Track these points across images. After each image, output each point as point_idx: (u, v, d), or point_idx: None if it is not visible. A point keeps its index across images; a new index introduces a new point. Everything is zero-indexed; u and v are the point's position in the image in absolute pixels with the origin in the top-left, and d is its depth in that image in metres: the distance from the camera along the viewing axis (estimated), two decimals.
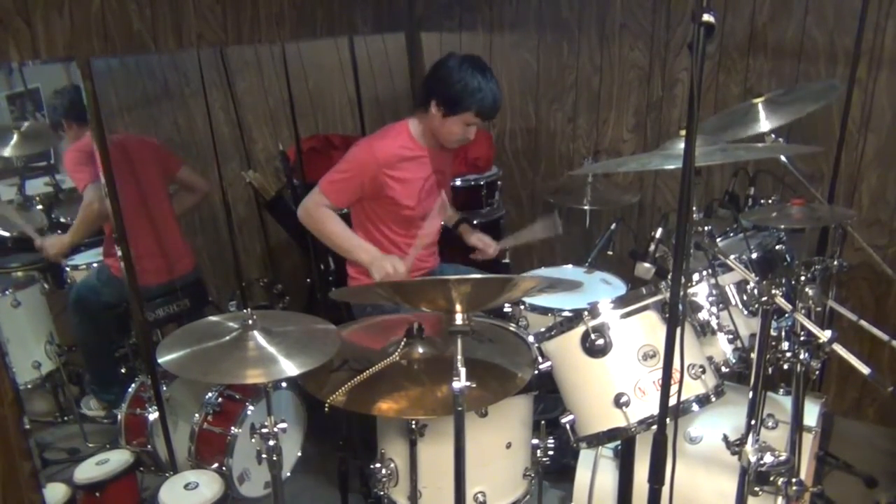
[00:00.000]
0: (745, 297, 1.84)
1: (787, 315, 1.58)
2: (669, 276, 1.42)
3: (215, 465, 2.32)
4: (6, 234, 2.97)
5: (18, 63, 2.37)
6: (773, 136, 2.19)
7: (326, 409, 1.54)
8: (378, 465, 1.81)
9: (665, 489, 1.41)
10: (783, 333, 1.66)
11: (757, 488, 1.53)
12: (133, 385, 2.51)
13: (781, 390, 2.00)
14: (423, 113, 2.29)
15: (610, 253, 2.76)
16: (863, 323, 2.03)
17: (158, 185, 2.79)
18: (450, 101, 2.20)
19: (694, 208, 1.54)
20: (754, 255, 1.91)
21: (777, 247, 2.05)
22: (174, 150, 2.93)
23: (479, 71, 2.21)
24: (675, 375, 1.34)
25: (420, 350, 1.64)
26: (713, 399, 1.68)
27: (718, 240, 1.82)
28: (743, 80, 2.84)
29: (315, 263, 2.71)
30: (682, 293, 1.29)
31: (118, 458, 2.24)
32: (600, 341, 1.65)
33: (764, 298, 1.48)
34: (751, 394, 1.52)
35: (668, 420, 1.38)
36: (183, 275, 2.80)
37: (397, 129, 2.35)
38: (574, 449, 1.86)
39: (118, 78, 2.74)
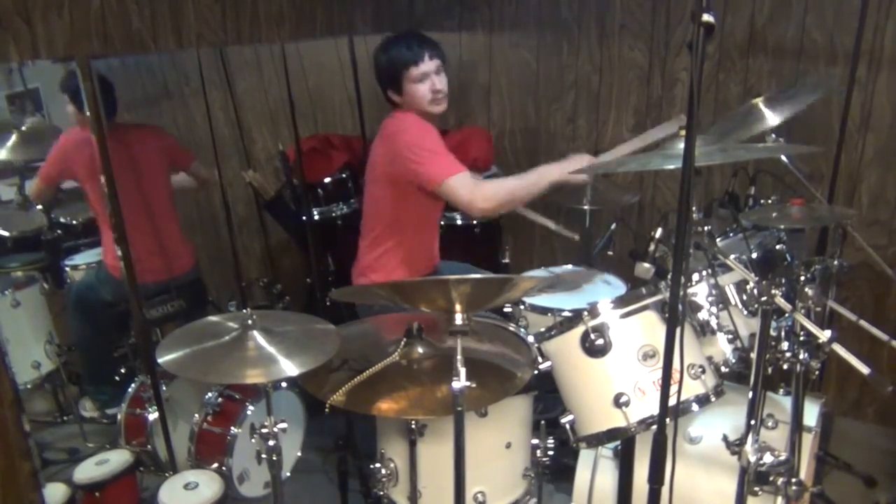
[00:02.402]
0: (744, 297, 1.84)
1: (786, 315, 1.58)
2: (669, 276, 1.42)
3: (215, 465, 2.32)
4: (6, 233, 2.97)
5: (18, 63, 2.37)
6: (773, 135, 2.18)
7: (327, 409, 1.54)
8: (378, 465, 1.81)
9: (665, 489, 1.41)
10: (783, 333, 1.66)
11: (756, 488, 1.53)
12: (133, 385, 2.51)
13: (781, 390, 2.00)
14: (398, 106, 2.32)
15: (610, 253, 2.76)
16: (862, 323, 2.03)
17: (161, 180, 2.78)
18: (390, 79, 2.25)
19: (694, 208, 1.54)
20: (754, 255, 1.91)
21: (777, 247, 2.05)
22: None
23: (388, 41, 2.28)
24: (675, 375, 1.34)
25: (420, 350, 1.64)
26: (713, 399, 1.68)
27: (718, 240, 1.82)
28: (743, 79, 2.84)
29: (315, 263, 2.71)
30: (681, 293, 1.29)
31: (118, 458, 2.24)
32: (600, 341, 1.65)
33: (764, 298, 1.48)
34: (750, 394, 1.52)
35: (667, 420, 1.38)
36: (181, 274, 2.79)
37: (403, 113, 2.33)
38: (574, 449, 1.86)
39: (118, 78, 2.74)
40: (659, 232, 1.75)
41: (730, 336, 1.83)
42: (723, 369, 1.83)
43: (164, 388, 2.38)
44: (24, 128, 2.82)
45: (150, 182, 2.72)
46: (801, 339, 1.63)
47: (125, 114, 2.81)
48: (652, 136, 2.26)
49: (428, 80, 2.24)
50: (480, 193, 2.11)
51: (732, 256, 1.74)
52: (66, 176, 2.75)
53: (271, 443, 1.65)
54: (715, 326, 1.81)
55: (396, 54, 2.23)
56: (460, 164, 2.16)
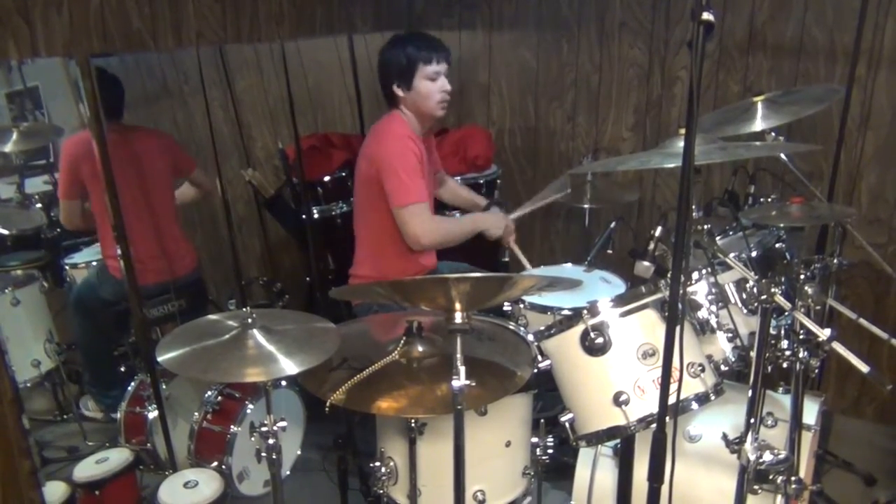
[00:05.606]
0: (744, 296, 1.84)
1: (786, 313, 1.58)
2: (669, 275, 1.42)
3: (215, 463, 2.32)
4: (6, 232, 2.97)
5: (17, 61, 2.36)
6: (773, 134, 2.18)
7: (327, 408, 1.54)
8: (377, 463, 1.81)
9: (664, 487, 1.41)
10: (782, 332, 1.66)
11: (756, 486, 1.53)
12: (132, 383, 2.51)
13: (781, 389, 2.00)
14: (399, 106, 2.37)
15: (609, 251, 2.75)
16: (862, 321, 2.03)
17: (164, 183, 2.78)
18: (401, 72, 2.30)
19: (693, 207, 1.54)
20: (754, 254, 1.91)
21: (777, 245, 2.05)
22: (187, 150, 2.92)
23: (401, 37, 2.35)
24: (675, 374, 1.35)
25: (419, 348, 1.64)
26: (712, 397, 1.68)
27: (718, 238, 1.82)
28: (742, 78, 2.84)
29: (314, 262, 2.71)
30: (681, 292, 1.29)
31: (118, 457, 2.24)
32: (599, 340, 1.65)
33: (763, 297, 1.48)
34: (750, 392, 1.52)
35: (667, 418, 1.38)
36: (183, 275, 2.79)
37: (396, 120, 2.37)
38: (573, 447, 1.86)
39: (117, 76, 2.73)
40: (658, 230, 1.74)
41: (729, 334, 1.83)
42: (722, 368, 1.83)
43: (163, 386, 2.39)
44: (22, 127, 2.82)
45: (154, 184, 2.71)
46: (801, 337, 1.63)
47: (125, 113, 2.80)
48: (545, 198, 2.67)
49: (440, 80, 2.32)
50: (428, 229, 2.27)
51: (732, 255, 1.74)
52: (80, 182, 2.66)
53: (271, 441, 1.65)
54: (714, 325, 1.81)
55: (414, 49, 2.29)
56: (424, 193, 2.27)
